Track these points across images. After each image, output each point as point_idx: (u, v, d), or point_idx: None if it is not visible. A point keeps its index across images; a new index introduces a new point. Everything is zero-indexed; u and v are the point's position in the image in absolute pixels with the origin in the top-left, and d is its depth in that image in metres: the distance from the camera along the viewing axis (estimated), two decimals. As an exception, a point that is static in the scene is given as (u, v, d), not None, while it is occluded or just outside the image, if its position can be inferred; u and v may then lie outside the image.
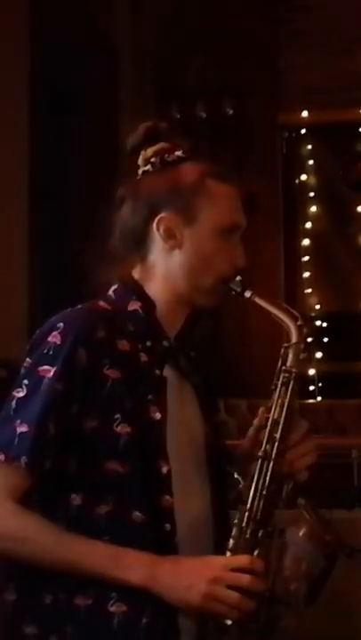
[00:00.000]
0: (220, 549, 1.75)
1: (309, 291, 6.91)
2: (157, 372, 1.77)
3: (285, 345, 1.80)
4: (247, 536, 1.71)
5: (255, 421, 1.87)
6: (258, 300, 1.81)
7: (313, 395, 6.69)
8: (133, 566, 1.65)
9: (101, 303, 1.80)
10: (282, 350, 1.80)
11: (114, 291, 1.85)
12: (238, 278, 1.83)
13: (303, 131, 7.05)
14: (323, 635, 2.98)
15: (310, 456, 1.81)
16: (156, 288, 1.83)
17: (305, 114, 6.95)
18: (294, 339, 1.79)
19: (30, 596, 1.71)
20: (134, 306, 1.81)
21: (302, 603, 1.71)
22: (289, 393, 1.78)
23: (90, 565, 1.66)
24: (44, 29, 5.17)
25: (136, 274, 1.86)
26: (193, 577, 1.65)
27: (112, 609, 1.66)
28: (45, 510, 1.70)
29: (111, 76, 6.17)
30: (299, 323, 1.79)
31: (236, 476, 1.85)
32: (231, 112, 6.76)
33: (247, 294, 1.82)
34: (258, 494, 1.73)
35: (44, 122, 5.29)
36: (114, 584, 1.66)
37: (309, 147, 7.06)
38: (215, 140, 6.62)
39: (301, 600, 1.71)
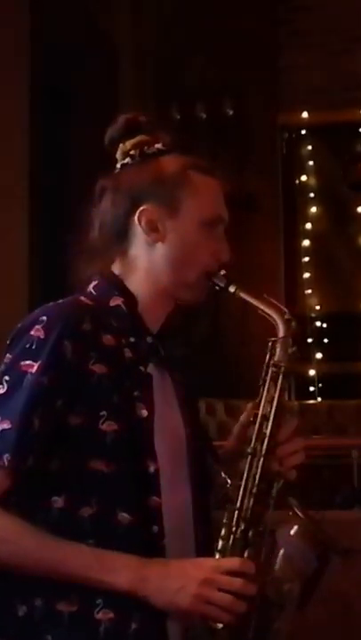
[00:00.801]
0: (202, 550, 1.71)
1: (310, 291, 6.90)
2: (142, 368, 1.72)
3: (273, 339, 1.74)
4: (237, 536, 1.66)
5: (242, 417, 1.83)
6: (243, 295, 1.76)
7: (313, 395, 6.68)
8: (120, 569, 1.59)
9: (82, 298, 1.73)
10: (269, 344, 1.75)
11: (94, 286, 1.78)
12: (223, 272, 1.77)
13: (303, 131, 7.04)
14: (322, 634, 2.98)
15: (299, 455, 1.75)
16: (138, 283, 1.77)
17: (305, 114, 6.95)
18: (282, 333, 1.74)
19: (0, 610, 1.64)
20: (116, 301, 1.75)
21: (295, 604, 1.67)
22: (278, 388, 1.73)
23: (74, 568, 1.59)
24: (44, 29, 5.17)
25: (116, 268, 1.79)
26: (183, 579, 1.59)
27: (98, 616, 1.59)
28: (24, 513, 1.62)
29: (111, 76, 6.17)
30: (286, 316, 1.74)
31: (223, 475, 1.78)
32: (231, 112, 6.76)
33: (231, 289, 1.76)
34: (247, 493, 1.68)
35: (44, 122, 5.29)
36: (99, 589, 1.60)
37: (309, 147, 7.06)
38: (215, 141, 6.61)
39: (295, 601, 1.67)
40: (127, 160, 1.82)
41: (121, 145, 1.83)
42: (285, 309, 1.76)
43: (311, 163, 7.04)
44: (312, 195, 7.00)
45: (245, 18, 6.73)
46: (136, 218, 1.77)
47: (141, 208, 1.77)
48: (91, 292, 1.77)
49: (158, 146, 1.82)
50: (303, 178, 7.03)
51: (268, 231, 6.71)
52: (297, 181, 7.02)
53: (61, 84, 5.66)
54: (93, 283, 1.79)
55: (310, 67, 6.77)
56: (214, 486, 1.81)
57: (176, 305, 1.83)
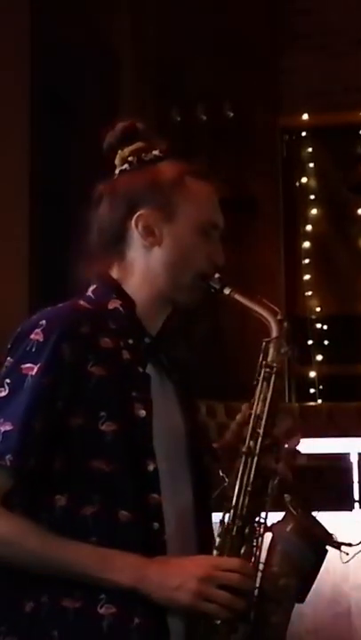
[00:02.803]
0: (203, 547, 1.74)
1: (310, 293, 6.90)
2: (140, 369, 1.75)
3: (266, 340, 1.80)
4: (233, 533, 1.70)
5: (238, 417, 1.87)
6: (237, 297, 1.80)
7: (313, 397, 6.68)
8: (121, 568, 1.63)
9: (81, 302, 1.77)
10: (262, 345, 1.80)
11: (93, 290, 1.82)
12: (217, 275, 1.81)
13: (304, 133, 7.05)
14: (323, 634, 2.98)
15: (295, 454, 1.79)
16: (136, 286, 1.81)
17: (305, 116, 6.95)
18: (274, 333, 1.79)
19: (8, 605, 1.67)
20: (114, 304, 1.79)
21: (293, 599, 1.70)
22: (271, 388, 1.78)
23: (77, 568, 1.63)
24: (44, 33, 5.17)
25: (114, 272, 1.83)
26: (182, 576, 1.63)
27: (101, 611, 1.63)
28: (27, 513, 1.67)
29: (111, 78, 6.17)
30: (279, 317, 1.79)
31: (221, 474, 1.82)
32: (232, 115, 6.76)
33: (226, 291, 1.81)
34: (243, 491, 1.72)
35: (45, 125, 5.30)
36: (101, 586, 1.63)
37: (310, 149, 7.06)
38: (215, 143, 6.62)
39: (292, 596, 1.70)
40: (125, 166, 1.86)
41: (119, 151, 1.87)
42: (278, 310, 1.81)
43: (311, 165, 7.04)
44: (312, 197, 7.00)
45: (245, 20, 6.73)
46: (133, 222, 1.81)
47: (138, 212, 1.81)
48: (89, 296, 1.81)
49: (156, 152, 1.86)
50: (303, 180, 7.03)
51: (269, 233, 6.71)
52: (297, 183, 7.03)
53: (62, 87, 5.67)
54: (92, 287, 1.83)
55: (310, 69, 6.78)
56: (214, 485, 1.85)
57: (173, 309, 1.87)
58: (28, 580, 1.66)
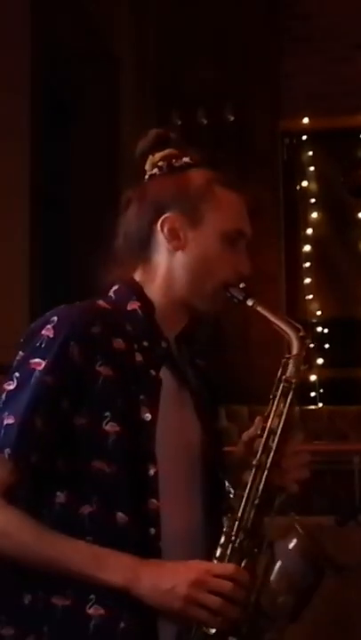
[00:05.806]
0: (209, 558, 1.72)
1: (310, 297, 6.90)
2: (152, 372, 1.76)
3: (286, 356, 1.80)
4: (235, 545, 1.69)
5: (250, 430, 1.86)
6: (260, 310, 1.81)
7: (314, 401, 6.67)
8: (115, 567, 1.63)
9: (100, 302, 1.79)
10: (282, 361, 1.80)
11: (114, 291, 1.84)
12: (242, 285, 1.82)
13: (304, 137, 7.05)
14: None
15: (303, 470, 1.79)
16: (157, 289, 1.83)
17: (306, 120, 6.95)
18: (295, 350, 1.79)
19: (9, 596, 1.70)
20: (133, 306, 1.80)
21: (288, 617, 1.68)
22: (288, 403, 1.77)
23: (70, 564, 1.64)
24: (45, 37, 5.16)
25: (138, 275, 1.85)
26: (174, 579, 1.62)
27: (90, 611, 1.64)
28: (31, 507, 1.68)
29: (112, 82, 6.16)
30: (301, 334, 1.80)
31: (227, 484, 1.82)
32: (232, 119, 6.76)
33: (249, 302, 1.81)
34: (250, 504, 1.71)
35: (45, 128, 5.28)
36: (93, 585, 1.64)
37: (310, 153, 7.06)
38: (216, 147, 6.61)
39: (288, 614, 1.68)
40: (155, 171, 1.88)
41: (150, 157, 1.89)
42: (300, 327, 1.81)
43: (312, 168, 7.05)
44: (313, 200, 7.00)
45: (246, 23, 6.73)
46: (159, 225, 1.82)
47: (164, 216, 1.82)
48: (110, 297, 1.83)
49: (186, 160, 1.88)
50: (304, 183, 7.03)
51: (270, 237, 6.70)
52: (298, 187, 7.03)
53: (62, 87, 5.66)
54: (114, 288, 1.84)
55: (311, 73, 6.78)
56: (224, 496, 1.84)
57: (191, 316, 1.87)
58: (27, 573, 1.67)
